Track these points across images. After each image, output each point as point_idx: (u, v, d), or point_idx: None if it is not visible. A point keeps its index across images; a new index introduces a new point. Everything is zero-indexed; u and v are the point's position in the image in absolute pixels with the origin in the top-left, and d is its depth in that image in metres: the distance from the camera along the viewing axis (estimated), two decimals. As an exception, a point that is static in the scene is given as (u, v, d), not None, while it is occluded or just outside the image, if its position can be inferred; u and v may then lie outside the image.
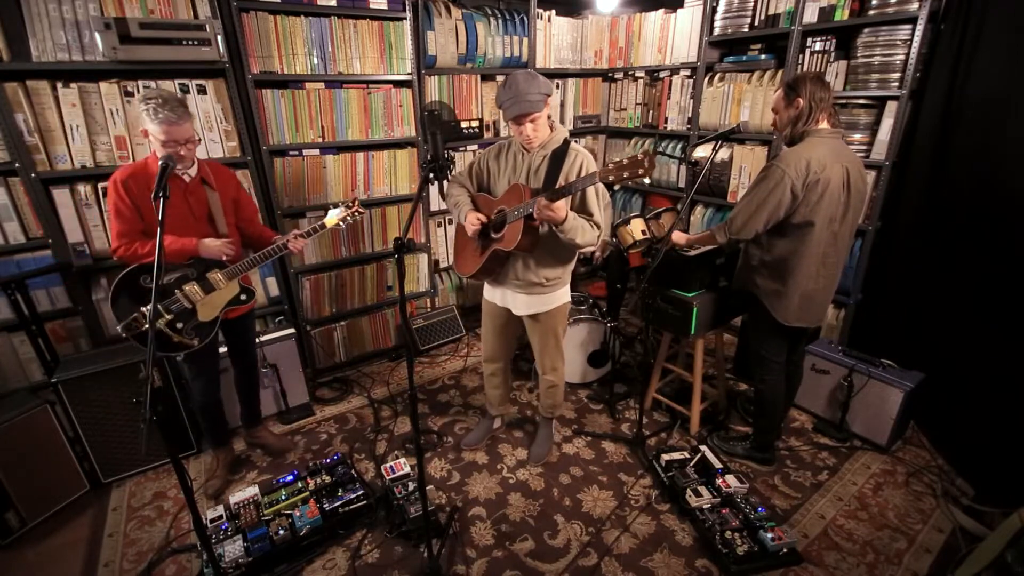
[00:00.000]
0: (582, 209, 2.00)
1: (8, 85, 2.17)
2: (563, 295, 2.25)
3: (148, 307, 1.99)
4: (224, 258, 2.06)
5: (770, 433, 2.44)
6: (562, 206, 1.82)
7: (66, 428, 2.31)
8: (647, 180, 1.66)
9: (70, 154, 2.35)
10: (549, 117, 2.03)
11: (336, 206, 2.26)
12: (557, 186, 1.86)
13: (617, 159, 1.72)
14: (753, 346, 2.37)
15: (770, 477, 2.43)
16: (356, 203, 2.26)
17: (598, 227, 1.98)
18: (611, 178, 1.71)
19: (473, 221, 2.04)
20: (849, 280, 2.88)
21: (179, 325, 2.02)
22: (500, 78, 3.50)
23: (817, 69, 2.85)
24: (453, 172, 2.23)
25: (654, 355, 2.82)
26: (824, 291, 2.15)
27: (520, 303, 2.23)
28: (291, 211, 2.95)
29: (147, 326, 1.99)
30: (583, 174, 1.95)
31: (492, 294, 2.32)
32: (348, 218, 2.24)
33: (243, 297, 2.17)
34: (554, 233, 1.99)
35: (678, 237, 2.36)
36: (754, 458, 2.49)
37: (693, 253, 2.44)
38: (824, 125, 2.00)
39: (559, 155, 1.96)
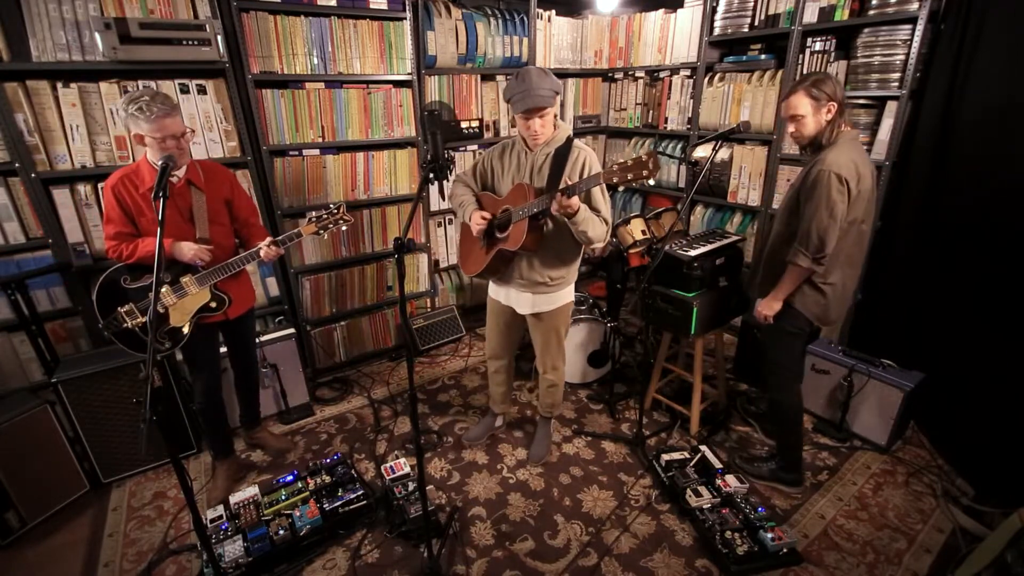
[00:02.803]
0: (588, 206, 2.01)
1: (8, 85, 2.17)
2: (567, 294, 2.26)
3: (126, 308, 2.02)
4: (199, 263, 2.03)
5: (797, 449, 2.31)
6: (576, 200, 1.84)
7: (66, 428, 2.31)
8: (651, 181, 1.63)
9: (70, 154, 2.35)
10: (555, 116, 2.04)
11: (319, 210, 2.17)
12: (561, 184, 1.86)
13: (621, 160, 1.72)
14: (774, 355, 2.23)
15: (770, 477, 2.43)
16: (342, 209, 2.15)
17: (606, 223, 2.01)
18: (615, 179, 1.72)
19: (478, 220, 2.04)
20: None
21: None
22: (501, 78, 3.51)
23: (817, 69, 2.85)
24: (455, 172, 2.22)
25: (654, 355, 2.82)
26: (849, 288, 2.11)
27: (524, 302, 2.23)
28: (291, 211, 2.95)
29: (126, 325, 2.02)
30: (586, 171, 1.97)
31: (497, 292, 2.33)
32: (330, 226, 2.14)
33: (213, 305, 2.12)
34: (559, 233, 2.01)
35: (765, 307, 2.12)
36: (782, 480, 2.34)
37: (694, 253, 2.44)
38: (848, 129, 1.96)
39: (562, 153, 1.95)
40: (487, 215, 2.05)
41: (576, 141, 2.01)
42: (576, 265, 2.24)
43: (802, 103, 1.93)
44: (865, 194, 1.93)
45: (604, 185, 2.01)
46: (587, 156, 2.00)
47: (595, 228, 1.94)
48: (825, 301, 2.05)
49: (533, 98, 1.89)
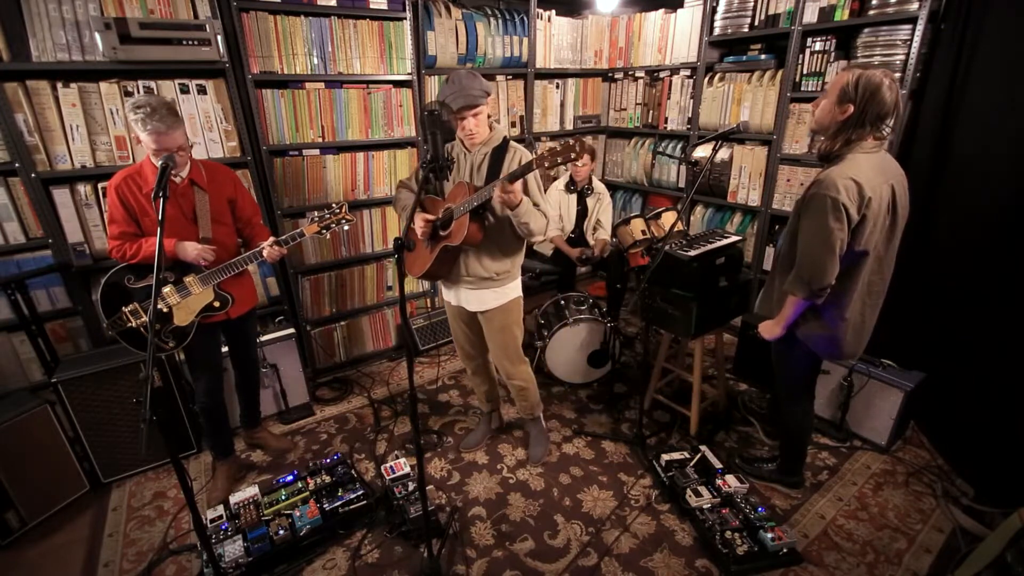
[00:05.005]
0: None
1: (8, 85, 2.17)
2: (514, 289, 2.27)
3: (130, 307, 2.02)
4: (202, 263, 2.04)
5: (801, 457, 2.32)
6: (519, 188, 1.88)
7: (66, 428, 2.31)
8: (580, 162, 1.68)
9: (70, 154, 2.35)
10: (489, 116, 2.11)
11: (321, 210, 2.20)
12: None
13: (551, 145, 1.76)
14: (781, 372, 2.17)
15: (770, 477, 2.43)
16: (343, 208, 2.18)
17: (546, 216, 2.05)
18: (547, 163, 1.79)
19: (421, 223, 2.07)
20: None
21: (156, 327, 2.02)
22: (501, 78, 3.51)
23: (817, 69, 2.85)
24: (402, 179, 2.33)
25: (654, 355, 2.82)
26: (870, 321, 1.94)
27: (473, 300, 2.24)
28: (291, 211, 2.95)
29: (130, 324, 2.02)
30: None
31: (448, 294, 2.35)
32: (332, 225, 2.17)
33: (217, 305, 2.13)
34: (500, 226, 2.06)
35: (765, 330, 2.04)
36: (783, 482, 2.37)
37: (694, 253, 2.44)
38: (868, 141, 1.73)
39: (499, 151, 2.05)
40: (430, 217, 2.07)
41: (511, 142, 2.10)
42: (519, 259, 2.26)
43: (836, 84, 1.72)
44: (876, 217, 1.72)
45: (540, 182, 2.10)
46: (521, 152, 2.07)
47: (536, 220, 1.99)
48: (834, 336, 1.90)
49: (464, 97, 1.96)
